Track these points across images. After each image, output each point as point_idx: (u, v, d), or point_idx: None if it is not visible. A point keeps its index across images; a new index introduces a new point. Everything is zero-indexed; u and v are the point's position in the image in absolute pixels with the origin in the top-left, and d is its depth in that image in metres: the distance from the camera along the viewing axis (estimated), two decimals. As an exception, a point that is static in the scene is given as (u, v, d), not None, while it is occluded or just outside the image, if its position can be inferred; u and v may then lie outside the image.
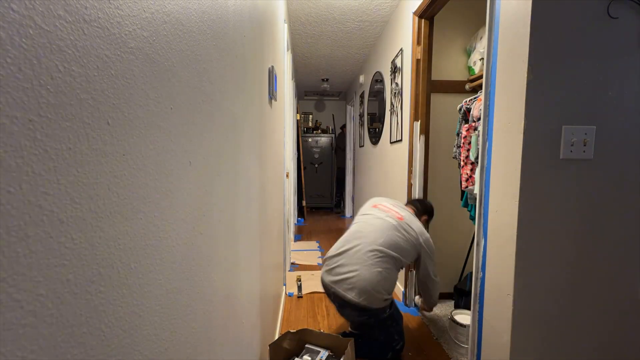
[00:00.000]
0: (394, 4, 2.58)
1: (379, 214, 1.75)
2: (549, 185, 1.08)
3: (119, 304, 0.33)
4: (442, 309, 2.21)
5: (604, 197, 1.09)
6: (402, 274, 2.39)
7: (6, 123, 0.21)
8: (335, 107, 6.43)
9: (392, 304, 1.69)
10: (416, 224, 1.73)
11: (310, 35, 3.21)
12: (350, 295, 1.56)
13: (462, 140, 1.83)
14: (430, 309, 1.96)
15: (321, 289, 2.52)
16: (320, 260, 3.26)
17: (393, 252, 1.62)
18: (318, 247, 3.75)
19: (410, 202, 2.00)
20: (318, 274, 2.88)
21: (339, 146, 6.05)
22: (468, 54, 2.27)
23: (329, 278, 1.67)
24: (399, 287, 2.44)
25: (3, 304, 0.21)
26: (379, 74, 3.17)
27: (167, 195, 0.44)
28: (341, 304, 1.64)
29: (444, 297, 2.34)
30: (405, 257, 1.67)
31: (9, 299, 0.21)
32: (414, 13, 2.14)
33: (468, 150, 1.79)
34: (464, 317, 1.73)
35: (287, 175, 2.60)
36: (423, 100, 2.15)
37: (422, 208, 1.94)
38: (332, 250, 1.74)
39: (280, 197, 2.20)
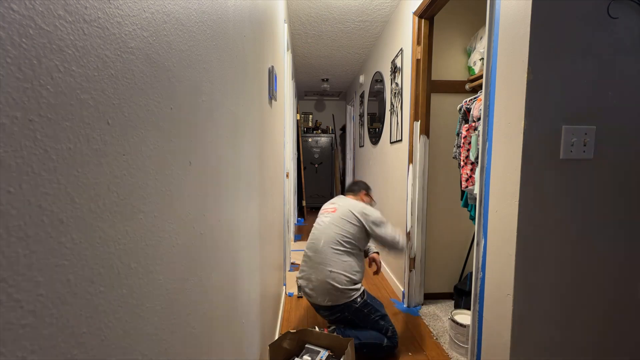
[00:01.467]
0: (394, 4, 2.58)
1: (322, 219, 1.87)
2: (549, 185, 1.08)
3: (119, 304, 0.33)
4: (442, 309, 2.21)
5: (604, 197, 1.09)
6: (402, 274, 2.39)
7: (6, 123, 0.21)
8: (335, 107, 6.43)
9: (363, 292, 1.72)
10: (352, 205, 1.81)
11: (310, 35, 3.21)
12: (315, 300, 1.70)
13: (462, 140, 1.83)
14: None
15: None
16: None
17: (341, 244, 1.71)
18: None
19: (347, 190, 2.09)
20: (318, 274, 2.87)
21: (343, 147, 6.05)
22: (468, 54, 2.27)
23: (301, 286, 1.80)
24: (399, 287, 2.44)
25: (3, 304, 0.21)
26: (379, 74, 3.17)
27: (167, 195, 0.44)
28: (315, 307, 1.77)
29: (444, 297, 2.34)
30: (357, 240, 1.74)
31: (9, 299, 0.21)
32: (414, 13, 2.14)
33: (468, 150, 1.79)
34: (464, 317, 1.73)
35: (287, 175, 2.60)
36: (423, 100, 2.15)
37: (357, 188, 2.04)
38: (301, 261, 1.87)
39: (280, 197, 2.20)
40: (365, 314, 1.67)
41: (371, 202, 2.04)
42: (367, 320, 1.68)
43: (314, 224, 1.90)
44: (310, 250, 1.78)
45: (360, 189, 2.03)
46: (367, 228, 1.76)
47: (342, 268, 1.67)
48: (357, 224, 1.75)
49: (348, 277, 1.66)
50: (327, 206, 1.95)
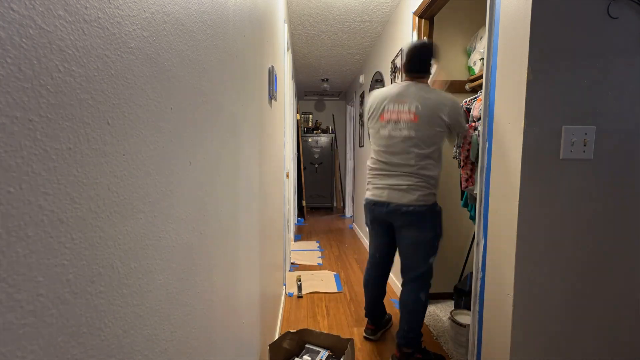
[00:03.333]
0: (394, 4, 2.58)
1: (390, 130, 1.55)
2: (549, 185, 1.08)
3: (119, 304, 0.33)
4: (442, 309, 2.21)
5: (604, 197, 1.09)
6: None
7: (6, 123, 0.21)
8: (335, 107, 6.43)
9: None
10: (432, 102, 1.48)
11: (310, 35, 3.21)
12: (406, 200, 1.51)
13: (462, 140, 1.83)
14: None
15: (321, 289, 2.53)
16: (320, 260, 3.26)
17: (424, 152, 1.49)
18: (318, 247, 3.75)
19: (408, 71, 1.61)
20: (318, 274, 2.88)
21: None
22: (468, 54, 2.27)
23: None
24: (399, 287, 2.44)
25: (3, 304, 0.21)
26: (379, 74, 3.17)
27: (167, 195, 0.44)
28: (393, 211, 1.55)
29: (444, 297, 2.34)
30: (437, 140, 1.51)
31: (9, 299, 0.21)
32: (414, 13, 2.14)
33: (468, 150, 1.79)
34: (464, 317, 1.73)
35: (287, 175, 2.60)
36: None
37: (420, 66, 1.56)
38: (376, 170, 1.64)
39: (280, 197, 2.20)
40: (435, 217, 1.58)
41: (445, 84, 1.71)
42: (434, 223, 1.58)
43: (375, 129, 1.61)
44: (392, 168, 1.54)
45: (425, 65, 1.56)
46: (452, 125, 1.50)
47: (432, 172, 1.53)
48: (441, 122, 1.48)
49: (434, 180, 1.55)
50: (390, 106, 1.55)
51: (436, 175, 1.54)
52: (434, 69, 1.62)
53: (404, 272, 1.64)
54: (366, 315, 1.88)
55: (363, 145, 4.09)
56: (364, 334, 1.87)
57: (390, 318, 1.99)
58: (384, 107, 1.59)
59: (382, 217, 1.63)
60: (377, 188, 1.61)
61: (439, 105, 1.48)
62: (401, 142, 1.52)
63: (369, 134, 1.72)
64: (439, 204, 1.60)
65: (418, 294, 1.56)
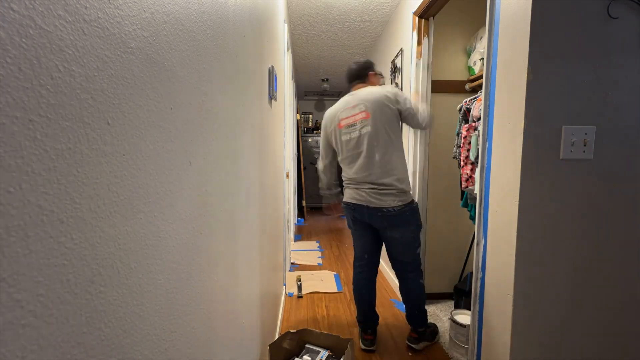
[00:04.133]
0: (394, 4, 2.58)
1: (350, 134, 1.65)
2: (549, 185, 1.08)
3: (119, 304, 0.33)
4: (442, 309, 2.21)
5: (604, 197, 1.09)
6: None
7: (6, 123, 0.21)
8: (335, 107, 6.42)
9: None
10: (375, 96, 1.60)
11: (310, 35, 3.21)
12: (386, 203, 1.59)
13: (462, 140, 1.83)
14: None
15: (321, 289, 2.53)
16: (320, 261, 3.26)
17: (387, 142, 1.58)
18: (318, 247, 3.75)
19: (353, 79, 1.77)
20: (318, 274, 2.88)
21: None
22: (468, 54, 2.27)
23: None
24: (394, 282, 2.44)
25: (3, 304, 0.21)
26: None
27: (167, 195, 0.44)
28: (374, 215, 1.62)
29: (444, 297, 2.34)
30: (394, 127, 1.59)
31: (9, 299, 0.21)
32: (414, 13, 2.14)
33: (468, 150, 1.79)
34: (464, 317, 1.73)
35: (287, 175, 2.60)
36: (423, 100, 2.15)
37: (361, 72, 1.74)
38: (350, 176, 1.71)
39: (280, 197, 2.20)
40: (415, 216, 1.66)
41: (381, 79, 1.83)
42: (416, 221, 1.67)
43: (337, 138, 1.70)
44: (365, 167, 1.60)
45: (366, 70, 1.74)
46: (401, 110, 1.60)
47: (399, 163, 1.62)
48: (390, 110, 1.58)
49: (403, 172, 1.64)
50: (346, 117, 1.65)
51: (404, 168, 1.63)
52: (377, 79, 1.79)
53: (399, 268, 1.74)
54: (362, 325, 1.79)
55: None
56: (363, 346, 1.75)
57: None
58: (339, 117, 1.71)
59: (363, 218, 1.69)
60: (355, 190, 1.68)
61: (382, 96, 1.60)
62: (363, 139, 1.61)
63: (326, 148, 1.85)
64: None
65: (418, 281, 1.72)
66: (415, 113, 1.61)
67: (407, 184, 1.62)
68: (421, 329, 1.76)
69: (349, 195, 1.71)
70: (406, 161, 1.67)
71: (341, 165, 1.76)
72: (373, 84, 1.75)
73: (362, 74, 1.75)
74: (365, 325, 1.78)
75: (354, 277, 1.83)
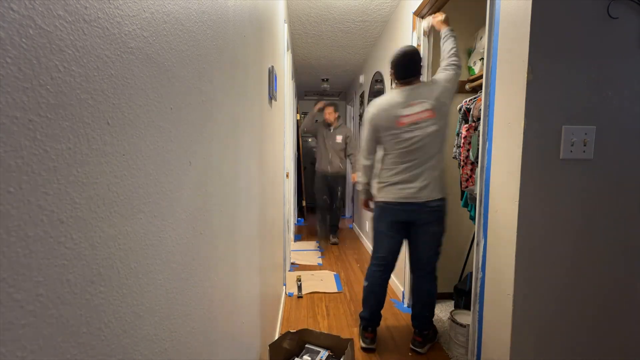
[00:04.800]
0: (394, 4, 2.58)
1: (413, 132, 1.60)
2: (549, 185, 1.08)
3: (119, 304, 0.33)
4: (442, 309, 2.21)
5: (604, 197, 1.09)
6: (402, 274, 2.38)
7: (6, 123, 0.21)
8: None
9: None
10: (436, 94, 1.57)
11: (310, 35, 3.21)
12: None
13: (462, 140, 1.83)
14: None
15: (321, 289, 2.53)
16: (320, 261, 3.26)
17: (444, 140, 1.62)
18: (318, 247, 3.75)
19: (409, 74, 1.65)
20: (318, 274, 2.88)
21: None
22: (468, 54, 2.27)
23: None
24: (399, 287, 2.44)
25: (3, 304, 0.21)
26: (379, 74, 3.17)
27: (167, 195, 0.44)
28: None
29: (444, 297, 2.34)
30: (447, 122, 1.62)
31: (9, 299, 0.21)
32: (414, 13, 2.14)
33: (468, 150, 1.79)
34: (464, 317, 1.73)
35: (287, 175, 2.60)
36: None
37: (418, 67, 1.65)
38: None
39: (280, 197, 2.20)
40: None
41: None
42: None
43: (393, 138, 1.64)
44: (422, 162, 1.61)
45: (420, 63, 1.66)
46: (451, 77, 1.60)
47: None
48: (449, 95, 1.60)
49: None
50: (405, 111, 1.61)
51: (444, 165, 1.66)
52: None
53: (420, 266, 1.74)
54: (365, 322, 1.79)
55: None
56: (363, 344, 1.76)
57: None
58: (398, 114, 1.63)
59: (405, 216, 1.68)
60: (402, 188, 1.64)
61: (440, 93, 1.59)
62: (427, 138, 1.59)
63: (373, 143, 1.77)
64: None
65: (434, 282, 1.74)
66: (453, 78, 1.61)
67: (443, 180, 1.67)
68: (426, 331, 1.75)
69: (392, 194, 1.67)
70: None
71: (388, 162, 1.70)
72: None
73: (417, 69, 1.65)
74: (368, 324, 1.78)
75: (370, 276, 1.80)
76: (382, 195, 1.71)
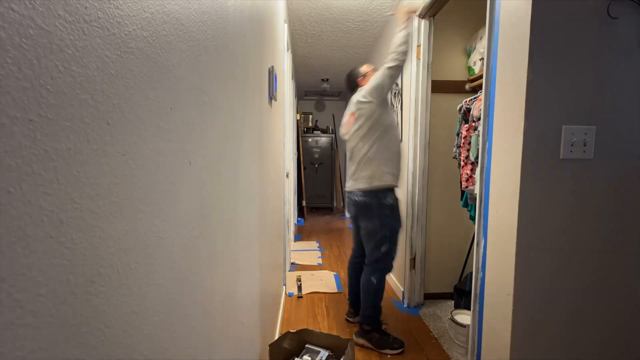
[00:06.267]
0: (394, 4, 2.58)
1: (347, 137, 1.86)
2: (549, 185, 1.08)
3: (119, 304, 0.33)
4: (442, 309, 2.21)
5: (604, 197, 1.09)
6: (402, 273, 2.38)
7: (6, 123, 0.21)
8: (335, 107, 6.43)
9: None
10: (358, 92, 1.78)
11: (310, 35, 3.21)
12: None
13: (462, 140, 1.83)
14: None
15: (321, 289, 2.53)
16: (320, 261, 3.26)
17: (371, 137, 1.72)
18: (318, 247, 3.75)
19: (350, 91, 1.97)
20: (318, 274, 2.88)
21: None
22: (468, 54, 2.27)
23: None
24: (399, 287, 2.44)
25: (3, 304, 0.21)
26: (379, 74, 3.17)
27: (167, 195, 0.44)
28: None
29: (444, 297, 2.34)
30: (375, 121, 1.71)
31: (9, 299, 0.21)
32: (414, 13, 2.13)
33: (468, 150, 1.79)
34: (464, 317, 1.73)
35: (287, 175, 2.60)
36: (423, 100, 2.15)
37: (352, 85, 1.92)
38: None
39: (280, 197, 2.20)
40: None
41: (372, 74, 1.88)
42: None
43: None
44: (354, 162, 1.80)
45: (355, 80, 1.90)
46: (374, 96, 1.71)
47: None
48: (370, 103, 1.72)
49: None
50: (344, 120, 1.90)
51: (373, 156, 1.72)
52: (365, 76, 1.88)
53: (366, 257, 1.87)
54: (348, 300, 2.08)
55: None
56: (345, 316, 2.08)
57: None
58: (342, 124, 1.95)
59: (349, 208, 1.90)
60: (347, 183, 1.87)
61: (361, 96, 1.75)
62: (354, 138, 1.78)
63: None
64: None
65: (369, 277, 1.80)
66: (379, 76, 1.69)
67: (383, 174, 1.71)
68: (366, 327, 1.80)
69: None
70: (399, 154, 1.79)
71: None
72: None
73: (354, 85, 1.91)
74: (349, 300, 2.09)
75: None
76: None
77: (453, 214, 2.33)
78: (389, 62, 1.66)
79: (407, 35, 1.67)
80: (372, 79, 1.74)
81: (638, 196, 1.11)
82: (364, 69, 1.91)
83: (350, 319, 2.06)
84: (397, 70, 1.67)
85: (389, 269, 1.81)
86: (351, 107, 1.81)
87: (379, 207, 1.71)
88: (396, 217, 1.76)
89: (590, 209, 1.10)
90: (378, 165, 1.70)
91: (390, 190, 1.74)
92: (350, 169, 1.83)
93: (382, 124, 1.72)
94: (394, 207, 1.75)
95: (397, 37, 1.66)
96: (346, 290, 2.54)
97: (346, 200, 1.94)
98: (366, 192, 1.72)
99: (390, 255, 1.78)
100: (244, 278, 0.95)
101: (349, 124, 1.82)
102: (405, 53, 1.66)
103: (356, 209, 1.79)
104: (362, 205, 1.74)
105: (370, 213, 1.73)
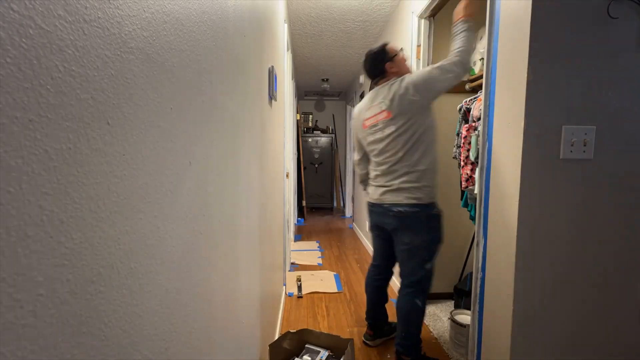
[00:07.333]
0: (394, 4, 2.58)
1: (374, 134, 1.57)
2: (549, 185, 1.08)
3: (119, 304, 0.33)
4: (442, 309, 2.21)
5: (604, 197, 1.09)
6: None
7: (6, 123, 0.21)
8: (335, 107, 6.43)
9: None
10: (393, 94, 1.47)
11: (310, 35, 3.21)
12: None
13: (462, 140, 1.83)
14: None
15: (321, 289, 2.53)
16: (320, 261, 3.26)
17: (411, 139, 1.45)
18: (318, 247, 3.75)
19: (372, 77, 1.64)
20: (318, 274, 2.88)
21: None
22: (468, 54, 2.26)
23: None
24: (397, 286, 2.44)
25: (3, 304, 0.21)
26: (379, 74, 3.17)
27: (167, 195, 0.44)
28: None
29: (444, 297, 2.34)
30: (419, 121, 1.45)
31: (9, 299, 0.21)
32: (414, 13, 2.14)
33: (468, 150, 1.79)
34: (464, 317, 1.73)
35: (287, 175, 2.60)
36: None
37: (378, 69, 1.58)
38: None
39: (280, 197, 2.20)
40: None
41: (403, 57, 1.60)
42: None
43: (363, 141, 1.63)
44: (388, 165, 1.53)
45: (383, 64, 1.56)
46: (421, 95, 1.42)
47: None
48: (413, 100, 1.43)
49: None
50: (367, 114, 1.58)
51: (427, 166, 1.49)
52: (398, 66, 1.59)
53: (401, 276, 1.61)
54: (366, 319, 1.84)
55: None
56: (363, 338, 1.83)
57: (394, 327, 1.81)
58: (362, 117, 1.64)
59: (375, 218, 1.64)
60: (374, 190, 1.61)
61: (401, 91, 1.46)
62: (386, 140, 1.52)
63: (357, 147, 1.78)
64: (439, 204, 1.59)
65: (413, 300, 1.52)
66: (437, 72, 1.39)
67: (425, 181, 1.48)
68: (406, 357, 1.55)
69: (370, 194, 1.66)
70: (435, 155, 1.54)
71: (371, 163, 1.68)
72: (396, 74, 1.56)
73: (380, 70, 1.58)
74: (367, 319, 1.83)
75: (367, 275, 1.83)
76: (368, 194, 1.70)
77: (453, 214, 2.33)
78: (446, 65, 1.38)
79: (468, 35, 1.37)
80: (421, 73, 1.45)
81: (638, 196, 1.11)
82: (391, 49, 1.57)
83: (370, 343, 1.79)
84: (461, 69, 1.38)
85: (430, 288, 1.56)
86: (381, 100, 1.51)
87: (428, 218, 1.48)
88: (442, 229, 1.55)
89: (591, 209, 1.10)
90: (428, 179, 1.49)
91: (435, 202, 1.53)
92: (378, 175, 1.58)
93: (430, 127, 1.49)
94: (440, 218, 1.54)
95: (456, 42, 1.39)
96: (346, 290, 2.54)
97: (371, 209, 1.64)
98: (415, 205, 1.47)
99: (432, 273, 1.55)
100: (244, 278, 0.95)
101: (376, 120, 1.54)
102: (469, 54, 1.38)
103: (399, 221, 1.50)
104: (408, 217, 1.47)
105: (418, 226, 1.48)
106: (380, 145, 1.55)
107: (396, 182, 1.50)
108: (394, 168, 1.51)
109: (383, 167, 1.56)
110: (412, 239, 1.50)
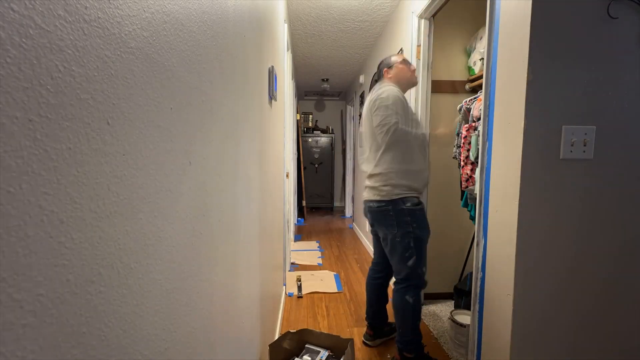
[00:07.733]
0: (394, 4, 2.58)
1: (360, 138, 1.73)
2: (549, 185, 1.08)
3: (119, 304, 0.33)
4: (442, 309, 2.21)
5: (604, 197, 1.09)
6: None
7: (6, 123, 0.21)
8: (335, 107, 6.43)
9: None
10: (367, 101, 1.60)
11: (310, 35, 3.21)
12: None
13: (462, 140, 1.83)
14: None
15: (321, 289, 2.53)
16: (320, 261, 3.26)
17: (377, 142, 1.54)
18: (318, 247, 3.75)
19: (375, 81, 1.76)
20: (318, 274, 2.88)
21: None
22: (468, 54, 2.27)
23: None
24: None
25: (3, 304, 0.21)
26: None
27: (167, 195, 0.44)
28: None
29: (444, 297, 2.34)
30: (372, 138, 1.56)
31: (9, 299, 0.21)
32: (414, 13, 2.14)
33: (468, 150, 1.79)
34: (464, 317, 1.73)
35: (287, 175, 2.60)
36: (423, 100, 2.15)
37: (378, 66, 1.72)
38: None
39: (280, 197, 2.20)
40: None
41: (404, 68, 1.64)
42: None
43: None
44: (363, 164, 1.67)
45: (383, 68, 1.67)
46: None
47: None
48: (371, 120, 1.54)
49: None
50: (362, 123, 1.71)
51: (399, 166, 1.51)
52: (396, 71, 1.65)
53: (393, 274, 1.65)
54: (366, 319, 1.85)
55: (362, 146, 4.08)
56: (363, 338, 1.84)
57: (394, 328, 1.82)
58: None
59: (366, 216, 1.71)
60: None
61: (369, 103, 1.58)
62: (364, 138, 1.65)
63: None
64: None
65: (402, 296, 1.54)
66: (380, 134, 1.51)
67: (396, 180, 1.50)
68: (408, 354, 1.55)
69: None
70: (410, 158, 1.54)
71: None
72: (391, 80, 1.64)
73: (379, 72, 1.72)
74: (367, 319, 1.84)
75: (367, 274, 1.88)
76: None
77: (453, 214, 2.33)
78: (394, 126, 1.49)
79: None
80: (380, 113, 1.50)
81: (638, 196, 1.11)
82: (394, 59, 1.67)
83: (369, 343, 1.80)
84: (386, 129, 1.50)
85: (422, 285, 1.55)
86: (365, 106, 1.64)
87: (398, 213, 1.50)
88: (420, 223, 1.52)
89: (590, 209, 1.10)
90: (399, 178, 1.52)
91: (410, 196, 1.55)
92: (365, 173, 1.68)
93: (402, 137, 1.53)
94: (416, 213, 1.51)
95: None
96: (346, 290, 2.54)
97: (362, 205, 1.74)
98: (378, 200, 1.54)
99: (421, 270, 1.53)
100: (244, 278, 0.95)
101: (362, 119, 1.67)
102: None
103: (371, 216, 1.60)
104: (376, 212, 1.56)
105: (388, 220, 1.52)
106: (364, 143, 1.67)
107: (371, 180, 1.60)
108: (371, 166, 1.60)
109: (368, 165, 1.65)
110: (385, 233, 1.56)
